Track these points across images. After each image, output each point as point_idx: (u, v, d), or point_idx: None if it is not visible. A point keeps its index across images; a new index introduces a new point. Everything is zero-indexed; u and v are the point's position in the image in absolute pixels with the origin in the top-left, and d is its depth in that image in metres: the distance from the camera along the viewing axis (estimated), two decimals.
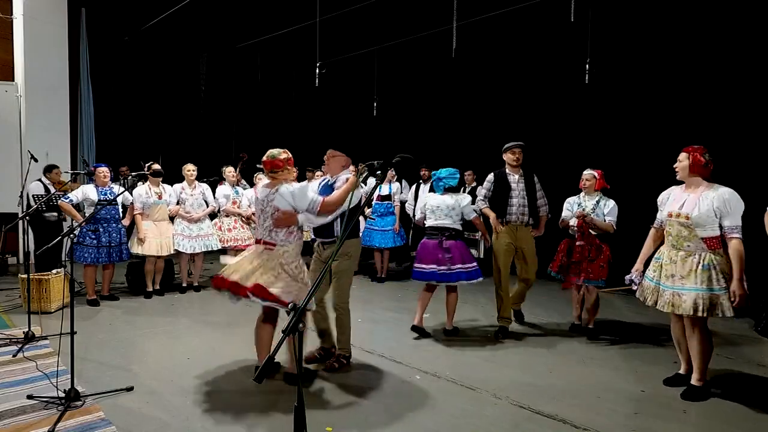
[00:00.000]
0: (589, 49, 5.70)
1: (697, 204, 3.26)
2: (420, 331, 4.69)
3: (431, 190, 4.87)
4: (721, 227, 3.25)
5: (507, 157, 4.71)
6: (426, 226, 4.75)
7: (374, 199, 7.02)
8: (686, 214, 3.29)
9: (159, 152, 9.93)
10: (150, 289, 5.98)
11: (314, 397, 3.33)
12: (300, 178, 8.24)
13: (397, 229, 6.97)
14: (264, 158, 3.52)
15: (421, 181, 7.13)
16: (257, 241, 3.53)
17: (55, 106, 8.33)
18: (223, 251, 6.78)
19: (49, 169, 6.55)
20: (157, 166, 5.66)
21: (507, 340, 4.62)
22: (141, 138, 9.90)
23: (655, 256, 3.57)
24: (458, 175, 4.72)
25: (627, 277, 3.65)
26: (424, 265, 4.60)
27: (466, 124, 8.35)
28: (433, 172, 4.84)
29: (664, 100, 6.22)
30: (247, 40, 9.71)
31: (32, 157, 6.02)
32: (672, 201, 3.45)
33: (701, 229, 3.26)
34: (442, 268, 4.51)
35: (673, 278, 3.34)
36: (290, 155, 3.53)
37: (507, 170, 4.73)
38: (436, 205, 4.64)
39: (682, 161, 3.40)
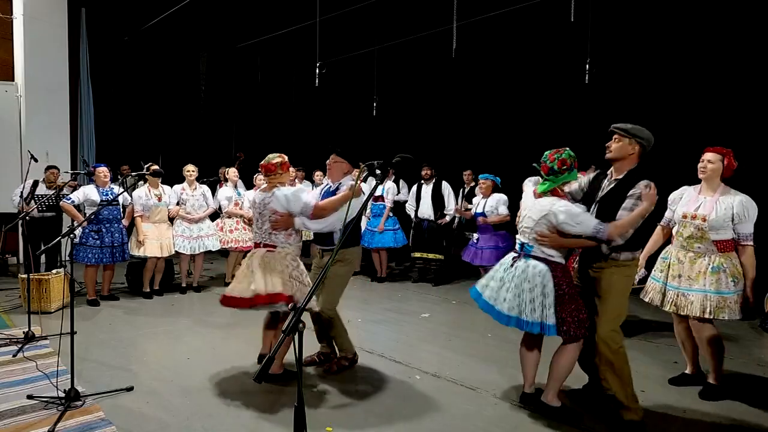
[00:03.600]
0: (589, 49, 5.70)
1: (714, 208, 3.23)
2: None
3: (495, 190, 5.72)
4: (735, 232, 3.21)
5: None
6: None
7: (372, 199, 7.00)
8: (703, 216, 3.25)
9: (159, 152, 9.93)
10: (147, 289, 5.97)
11: (314, 397, 3.33)
12: (307, 179, 8.25)
13: (381, 229, 6.84)
14: (262, 162, 3.65)
15: (422, 181, 7.03)
16: (256, 245, 3.59)
17: (55, 106, 8.31)
18: (225, 252, 6.78)
19: (45, 169, 6.59)
20: (156, 167, 5.63)
21: (507, 340, 4.60)
22: (141, 138, 9.90)
23: (662, 255, 3.53)
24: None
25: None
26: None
27: (466, 124, 8.34)
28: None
29: (664, 100, 6.21)
30: (247, 40, 9.70)
31: (32, 157, 6.01)
32: (687, 202, 3.38)
33: (714, 232, 3.23)
34: None
35: (679, 278, 3.33)
36: (285, 160, 3.63)
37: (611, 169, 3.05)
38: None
39: (714, 163, 3.25)
